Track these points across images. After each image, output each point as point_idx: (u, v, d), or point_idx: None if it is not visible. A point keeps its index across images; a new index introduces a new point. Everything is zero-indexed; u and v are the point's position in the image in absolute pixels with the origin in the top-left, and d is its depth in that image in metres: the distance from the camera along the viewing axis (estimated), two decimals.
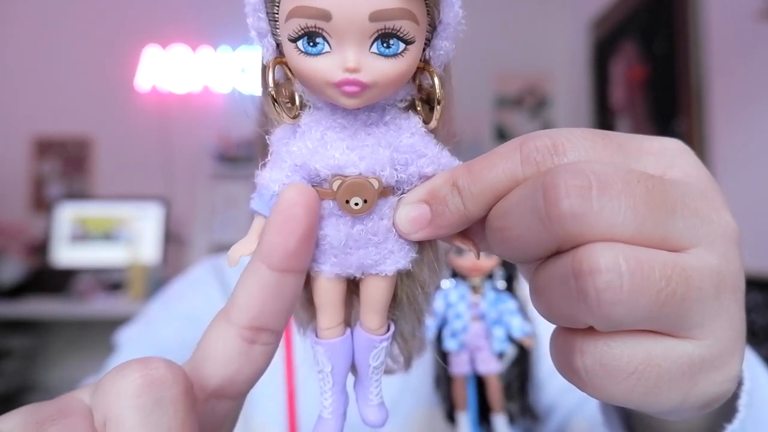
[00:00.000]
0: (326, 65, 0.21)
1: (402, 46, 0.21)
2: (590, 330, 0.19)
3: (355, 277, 0.24)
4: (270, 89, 0.23)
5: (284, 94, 0.23)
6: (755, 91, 1.56)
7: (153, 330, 0.63)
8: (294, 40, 0.21)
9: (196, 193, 2.52)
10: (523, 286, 0.49)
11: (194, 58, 2.70)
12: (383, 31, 0.20)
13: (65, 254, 2.34)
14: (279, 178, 0.23)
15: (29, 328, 2.36)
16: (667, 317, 0.18)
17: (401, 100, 0.24)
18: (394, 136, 0.23)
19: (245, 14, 0.23)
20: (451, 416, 0.48)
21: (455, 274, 0.45)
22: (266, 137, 0.24)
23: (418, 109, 0.24)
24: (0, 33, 2.65)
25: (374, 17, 0.20)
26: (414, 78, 0.23)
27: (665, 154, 0.21)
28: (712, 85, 1.72)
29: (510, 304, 0.45)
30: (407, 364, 0.27)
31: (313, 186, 0.23)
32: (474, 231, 0.23)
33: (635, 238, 0.18)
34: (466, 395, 0.45)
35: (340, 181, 0.22)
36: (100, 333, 1.87)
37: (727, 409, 0.30)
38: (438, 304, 0.44)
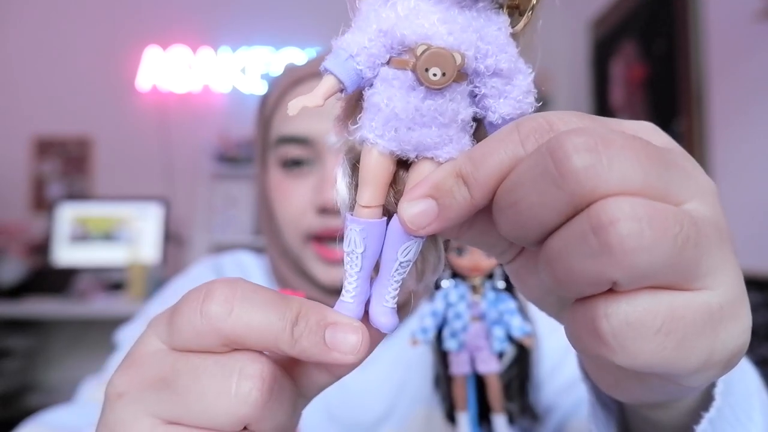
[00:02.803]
0: None
1: None
2: (610, 293, 0.19)
3: (407, 159, 0.23)
4: None
5: None
6: (755, 91, 1.56)
7: None
8: None
9: (196, 193, 2.52)
10: None
11: (194, 58, 2.70)
12: None
13: (65, 254, 2.34)
14: (360, 41, 0.22)
15: (29, 328, 2.36)
16: (684, 265, 0.19)
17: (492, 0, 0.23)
18: (483, 25, 0.23)
19: None
20: (451, 416, 0.48)
21: (455, 274, 0.45)
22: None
23: (505, 12, 0.24)
24: (0, 33, 2.66)
25: None
26: None
27: (642, 131, 0.22)
28: (712, 85, 1.72)
29: (510, 303, 0.45)
30: (420, 277, 0.27)
31: (391, 57, 0.23)
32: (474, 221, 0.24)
33: (643, 189, 0.19)
34: (466, 395, 0.45)
35: (425, 47, 0.22)
36: (100, 333, 1.87)
37: (704, 398, 0.30)
38: (438, 304, 0.44)
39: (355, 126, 0.24)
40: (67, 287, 2.25)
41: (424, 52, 0.22)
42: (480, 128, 0.25)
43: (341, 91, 0.23)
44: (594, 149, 0.19)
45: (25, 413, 0.64)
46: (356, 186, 0.25)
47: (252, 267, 0.70)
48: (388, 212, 0.24)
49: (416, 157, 0.23)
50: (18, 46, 2.66)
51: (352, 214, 0.24)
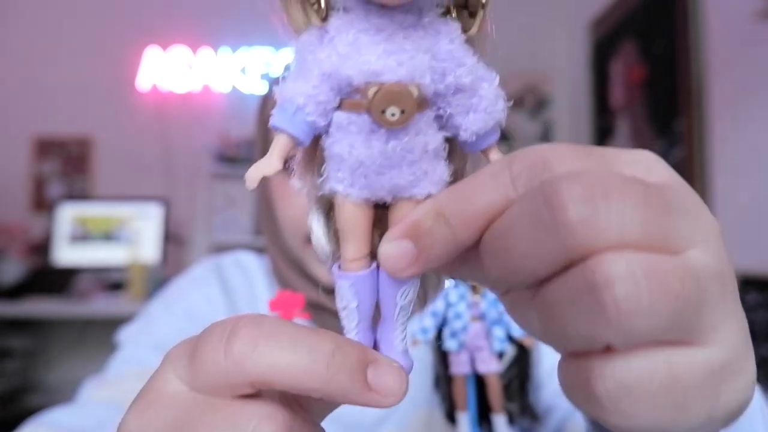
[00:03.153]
0: None
1: None
2: (605, 351, 0.18)
3: (384, 203, 0.22)
4: None
5: None
6: (755, 91, 1.56)
7: (154, 328, 0.63)
8: None
9: (196, 193, 2.52)
10: None
11: (194, 59, 2.70)
12: None
13: (66, 254, 2.34)
14: (304, 89, 0.20)
15: (30, 328, 2.36)
16: (685, 323, 0.18)
17: (437, 6, 0.21)
18: (432, 42, 0.21)
19: None
20: (451, 416, 0.49)
21: None
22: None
23: (454, 15, 0.22)
24: (0, 33, 2.66)
25: None
26: None
27: (642, 163, 0.21)
28: (712, 85, 1.72)
29: None
30: (422, 303, 0.25)
31: (342, 99, 0.21)
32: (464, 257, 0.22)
33: (642, 242, 0.18)
34: (466, 395, 0.45)
35: (376, 87, 0.20)
36: (100, 333, 1.87)
37: None
38: (438, 304, 0.45)
39: (321, 178, 0.22)
40: (67, 287, 2.25)
41: (376, 93, 0.20)
42: (453, 148, 0.23)
43: (298, 145, 0.21)
44: (591, 199, 0.18)
45: (25, 413, 0.65)
46: (335, 235, 0.23)
47: (253, 267, 0.70)
48: (376, 256, 0.23)
49: (393, 199, 0.22)
50: (18, 46, 2.66)
51: (339, 269, 0.23)
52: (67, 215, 2.39)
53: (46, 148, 2.68)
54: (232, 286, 0.67)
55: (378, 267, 0.22)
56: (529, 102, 2.82)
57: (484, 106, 0.22)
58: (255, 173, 0.21)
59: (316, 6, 0.21)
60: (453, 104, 0.22)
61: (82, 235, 2.38)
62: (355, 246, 0.22)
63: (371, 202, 0.22)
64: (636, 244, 0.17)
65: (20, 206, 2.63)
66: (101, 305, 2.17)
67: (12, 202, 2.61)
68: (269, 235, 0.65)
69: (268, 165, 0.21)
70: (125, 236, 2.38)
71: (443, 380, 0.49)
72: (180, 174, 2.62)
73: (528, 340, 0.46)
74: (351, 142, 0.21)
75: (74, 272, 2.30)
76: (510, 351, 0.46)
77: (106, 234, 2.39)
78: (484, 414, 0.46)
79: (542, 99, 2.82)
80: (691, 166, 1.77)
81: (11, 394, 2.22)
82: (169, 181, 2.62)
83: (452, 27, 0.21)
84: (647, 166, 0.21)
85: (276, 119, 0.21)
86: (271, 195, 0.63)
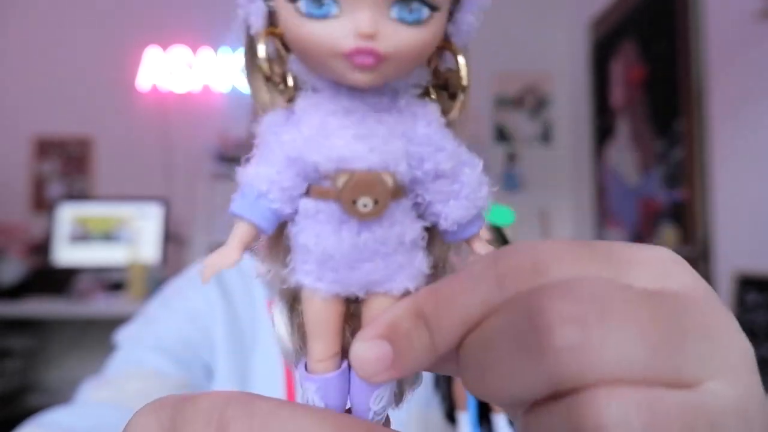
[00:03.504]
0: (334, 30, 0.17)
1: (426, 12, 0.17)
2: None
3: (356, 298, 0.20)
4: (262, 64, 0.19)
5: (275, 74, 0.19)
6: (755, 91, 1.56)
7: (152, 328, 0.63)
8: (294, 0, 0.17)
9: (196, 193, 2.52)
10: None
11: (194, 59, 2.70)
12: None
13: (66, 254, 2.34)
14: (268, 174, 0.19)
15: (30, 328, 2.36)
16: None
17: (414, 87, 0.20)
18: (409, 126, 0.19)
19: None
20: (451, 416, 0.48)
21: None
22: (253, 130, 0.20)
23: (433, 97, 0.20)
24: (1, 33, 2.66)
25: None
26: (429, 61, 0.20)
27: (658, 265, 0.18)
28: (712, 85, 1.72)
29: None
30: (399, 399, 0.23)
31: (310, 185, 0.19)
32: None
33: (645, 375, 0.15)
34: (466, 395, 0.45)
35: (347, 177, 0.18)
36: (100, 333, 1.87)
37: None
38: None
39: (287, 269, 0.20)
40: (67, 287, 2.25)
41: (346, 182, 0.18)
42: (433, 237, 0.21)
43: (260, 233, 0.19)
44: (584, 321, 0.15)
45: (25, 413, 0.64)
46: (299, 331, 0.21)
47: (250, 268, 0.70)
48: (347, 353, 0.20)
49: (366, 294, 0.20)
50: (18, 46, 2.66)
51: (305, 370, 0.20)
52: (67, 215, 2.39)
53: (46, 148, 2.68)
54: (230, 286, 0.67)
55: (349, 366, 0.20)
56: (528, 102, 2.82)
57: (465, 193, 0.20)
58: (210, 267, 0.19)
59: (282, 85, 0.19)
60: (432, 191, 0.20)
61: (82, 235, 2.38)
62: (323, 345, 0.20)
63: (341, 297, 0.20)
64: (636, 379, 0.15)
65: (20, 206, 2.63)
66: (101, 305, 2.17)
67: (12, 202, 2.61)
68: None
69: (225, 257, 0.19)
70: (125, 236, 2.38)
71: (443, 380, 0.49)
72: (180, 174, 2.62)
73: None
74: (318, 233, 0.19)
75: (74, 272, 2.30)
76: None
77: (106, 234, 2.39)
78: (484, 414, 0.46)
79: (542, 99, 2.82)
80: (691, 166, 1.77)
81: (11, 394, 2.22)
82: (169, 181, 2.62)
83: (430, 109, 0.20)
84: (663, 269, 0.17)
85: (236, 206, 0.19)
86: None
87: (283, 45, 0.19)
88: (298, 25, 0.17)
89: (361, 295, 0.20)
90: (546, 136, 2.83)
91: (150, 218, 2.41)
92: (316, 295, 0.19)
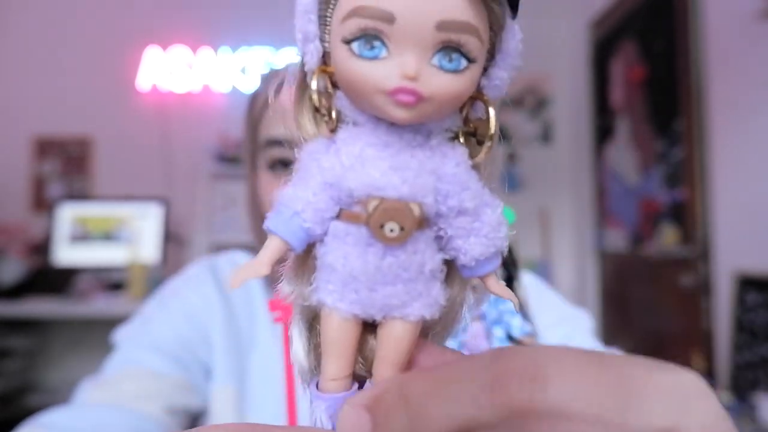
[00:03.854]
0: (382, 71, 0.19)
1: (464, 62, 0.19)
2: None
3: (374, 321, 0.21)
4: (313, 96, 0.21)
5: (323, 107, 0.21)
6: (754, 90, 1.56)
7: (150, 329, 0.63)
8: (349, 42, 0.19)
9: (195, 193, 2.52)
10: (523, 286, 0.49)
11: (194, 59, 2.70)
12: (447, 43, 0.19)
13: (66, 254, 2.34)
14: (304, 195, 0.20)
15: (30, 328, 2.36)
16: None
17: (446, 130, 0.21)
18: (439, 164, 0.21)
19: (294, 16, 0.21)
20: None
21: None
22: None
23: (462, 141, 0.22)
24: (1, 33, 2.65)
25: (441, 27, 0.19)
26: (461, 108, 0.21)
27: (678, 396, 0.16)
28: (712, 84, 1.72)
29: (510, 304, 0.45)
30: None
31: (341, 209, 0.20)
32: None
33: None
34: None
35: (377, 202, 0.19)
36: (100, 333, 1.86)
37: None
38: None
39: (310, 287, 0.21)
40: (67, 287, 2.25)
41: (376, 207, 0.19)
42: (452, 272, 0.22)
43: (290, 251, 0.21)
44: None
45: (25, 413, 0.64)
46: (315, 351, 0.22)
47: None
48: (359, 378, 0.22)
49: (383, 317, 0.21)
50: (18, 46, 2.66)
51: (317, 388, 0.21)
52: (67, 215, 2.39)
53: (46, 148, 2.68)
54: (228, 286, 0.67)
55: (359, 389, 0.21)
56: (529, 102, 2.82)
57: (485, 232, 0.21)
58: (240, 276, 0.20)
59: (326, 118, 0.21)
60: (454, 226, 0.21)
61: (82, 235, 2.38)
62: (337, 364, 0.21)
63: (359, 319, 0.21)
64: None
65: (20, 206, 2.63)
66: (101, 305, 2.17)
67: (12, 202, 2.61)
68: (260, 236, 0.65)
69: (255, 269, 0.21)
70: (125, 236, 2.38)
71: None
72: (180, 174, 2.62)
73: (528, 340, 0.46)
74: (346, 254, 0.20)
75: (74, 272, 2.30)
76: None
77: (106, 234, 2.39)
78: None
79: (542, 98, 2.82)
80: (690, 166, 1.77)
81: (11, 394, 2.22)
82: (169, 181, 2.62)
83: (459, 152, 0.21)
84: (683, 402, 0.15)
85: (271, 222, 0.21)
86: (260, 197, 0.62)
87: (332, 82, 0.21)
88: (351, 64, 0.19)
89: (378, 318, 0.21)
90: (546, 136, 2.83)
91: (150, 218, 2.41)
92: (335, 314, 0.20)
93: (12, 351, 2.28)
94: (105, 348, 0.68)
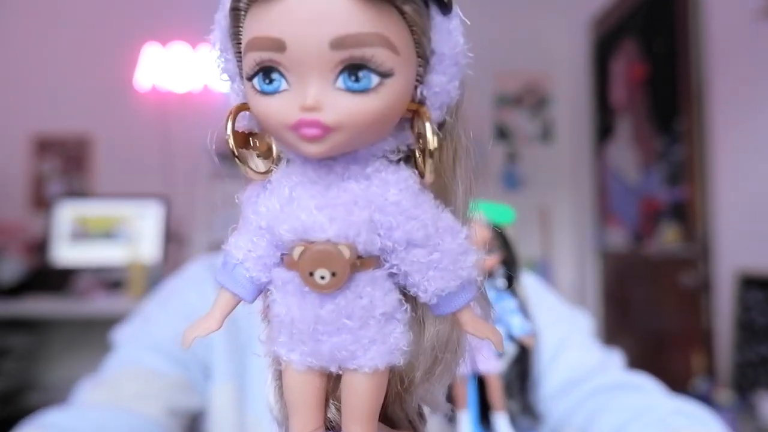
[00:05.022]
0: (282, 105, 0.18)
1: (375, 79, 0.17)
2: None
3: (331, 373, 0.19)
4: (230, 143, 0.20)
5: (257, 147, 0.20)
6: (755, 89, 1.55)
7: (150, 328, 0.63)
8: (250, 78, 0.18)
9: (196, 192, 2.52)
10: (523, 286, 0.49)
11: (194, 55, 2.69)
12: (350, 61, 0.17)
13: (65, 253, 2.34)
14: (244, 244, 0.19)
15: (29, 327, 2.35)
16: None
17: (392, 152, 0.19)
18: (377, 193, 0.18)
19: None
20: (450, 415, 0.48)
21: None
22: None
23: (419, 161, 0.19)
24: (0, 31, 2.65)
25: (336, 44, 0.17)
26: (412, 126, 0.19)
27: None
28: (712, 83, 1.72)
29: (510, 303, 0.44)
30: None
31: (282, 255, 0.19)
32: None
33: None
34: (466, 394, 0.45)
35: (302, 247, 0.18)
36: (100, 332, 1.86)
37: None
38: None
39: (268, 340, 0.20)
40: (66, 286, 2.25)
41: (302, 254, 0.18)
42: (418, 306, 0.20)
43: (242, 301, 0.20)
44: None
45: (24, 412, 0.64)
46: (284, 403, 0.21)
47: None
48: (338, 425, 0.20)
49: (339, 368, 0.19)
50: (17, 45, 2.65)
51: None
52: (67, 214, 2.39)
53: (45, 146, 2.68)
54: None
55: None
56: (529, 101, 2.82)
57: (445, 264, 0.19)
58: (191, 334, 0.20)
59: (263, 156, 0.20)
60: (408, 261, 0.19)
61: (82, 234, 2.38)
62: (301, 420, 0.19)
63: (317, 372, 0.19)
64: None
65: (19, 205, 2.63)
66: (101, 304, 2.16)
67: (11, 201, 2.61)
68: None
69: (205, 326, 0.20)
70: (125, 235, 2.38)
71: None
72: (180, 173, 2.62)
73: (528, 340, 0.46)
74: (287, 303, 0.19)
75: (74, 271, 2.29)
76: (511, 350, 0.46)
77: (105, 233, 2.39)
78: (484, 413, 0.46)
79: (543, 97, 2.82)
80: (691, 164, 1.77)
81: (10, 393, 2.21)
82: (169, 180, 2.61)
83: (402, 176, 0.19)
84: None
85: (218, 274, 0.20)
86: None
87: None
88: (255, 101, 0.18)
89: (334, 369, 0.19)
90: (546, 135, 2.82)
91: (150, 217, 2.41)
92: (290, 368, 0.19)
93: (11, 350, 2.28)
94: (104, 347, 0.68)
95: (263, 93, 0.18)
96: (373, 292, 0.19)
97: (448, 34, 0.19)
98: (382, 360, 0.19)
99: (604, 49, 2.45)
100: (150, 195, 2.49)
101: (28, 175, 2.67)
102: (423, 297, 0.19)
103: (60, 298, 2.21)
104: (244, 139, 0.20)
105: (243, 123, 0.20)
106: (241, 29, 0.19)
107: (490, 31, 2.56)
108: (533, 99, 2.82)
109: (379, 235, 0.19)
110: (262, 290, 0.20)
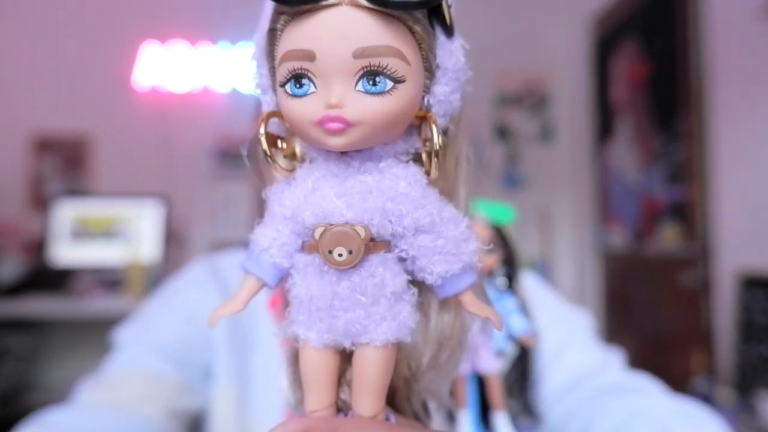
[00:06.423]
0: (310, 104, 0.21)
1: (390, 83, 0.20)
2: None
3: (344, 349, 0.22)
4: (262, 143, 0.22)
5: (284, 149, 0.23)
6: (756, 89, 1.55)
7: (151, 329, 0.63)
8: (283, 85, 0.21)
9: (195, 191, 2.51)
10: (524, 286, 0.48)
11: (193, 53, 2.69)
12: (368, 68, 0.20)
13: (64, 253, 2.34)
14: (269, 233, 0.22)
15: (28, 327, 2.35)
16: None
17: (402, 153, 0.23)
18: (389, 185, 0.22)
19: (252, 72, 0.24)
20: (451, 415, 0.48)
21: None
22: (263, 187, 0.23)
23: (426, 161, 0.23)
24: None
25: (358, 54, 0.20)
26: (419, 132, 0.23)
27: None
28: (713, 83, 1.72)
29: (510, 302, 0.44)
30: None
31: (303, 241, 0.22)
32: None
33: None
34: (466, 394, 0.45)
35: (323, 228, 0.21)
36: (99, 332, 1.86)
37: None
38: None
39: (287, 321, 0.22)
40: (65, 286, 2.25)
41: (323, 233, 0.21)
42: (424, 290, 0.23)
43: (264, 286, 0.22)
44: None
45: (23, 412, 0.64)
46: (299, 384, 0.23)
47: None
48: (347, 406, 0.23)
49: (352, 344, 0.22)
50: (16, 44, 2.65)
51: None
52: (66, 213, 2.38)
53: (44, 145, 2.67)
54: (230, 286, 0.67)
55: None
56: (529, 100, 2.82)
57: (449, 249, 0.22)
58: (218, 314, 0.22)
59: (287, 158, 0.23)
60: (416, 246, 0.22)
61: (81, 234, 2.37)
62: (316, 396, 0.22)
63: (333, 349, 0.22)
64: None
65: (18, 204, 2.63)
66: (100, 304, 2.16)
67: (10, 200, 2.60)
68: None
69: (231, 307, 0.22)
70: (124, 234, 2.38)
71: None
72: (180, 172, 2.61)
73: (528, 339, 0.45)
74: (307, 284, 0.21)
75: (73, 271, 2.29)
76: (511, 350, 0.46)
77: (105, 232, 2.38)
78: (484, 412, 0.46)
79: (543, 97, 2.81)
80: (692, 164, 1.77)
81: (9, 393, 2.21)
82: (169, 180, 2.61)
83: (411, 171, 0.22)
84: None
85: (244, 262, 0.23)
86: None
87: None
88: (287, 104, 0.21)
89: (348, 345, 0.21)
90: (546, 135, 2.82)
91: (149, 216, 2.41)
92: (308, 346, 0.22)
93: (10, 350, 2.28)
94: (104, 347, 0.68)
95: (294, 96, 0.21)
96: (384, 273, 0.21)
97: (451, 53, 0.22)
98: (392, 335, 0.21)
99: (604, 48, 2.45)
100: (150, 194, 2.48)
101: (27, 175, 2.67)
102: (429, 279, 0.22)
103: (59, 298, 2.20)
104: (273, 141, 0.23)
105: (272, 129, 0.23)
106: (276, 47, 0.22)
107: (491, 31, 2.55)
108: (533, 99, 2.82)
109: (390, 221, 0.21)
110: (283, 276, 0.22)
